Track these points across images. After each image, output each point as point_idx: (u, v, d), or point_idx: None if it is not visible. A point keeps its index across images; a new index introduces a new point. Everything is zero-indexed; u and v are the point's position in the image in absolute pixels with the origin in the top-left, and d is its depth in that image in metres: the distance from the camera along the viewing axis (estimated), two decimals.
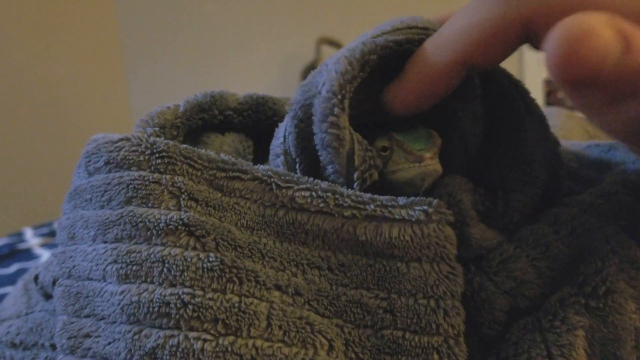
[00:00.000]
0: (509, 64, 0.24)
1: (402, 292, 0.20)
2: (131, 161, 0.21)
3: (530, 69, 2.42)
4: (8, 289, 0.77)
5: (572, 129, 0.42)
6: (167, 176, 0.21)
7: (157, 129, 0.25)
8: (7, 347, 0.25)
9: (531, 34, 0.18)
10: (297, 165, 0.23)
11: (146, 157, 0.21)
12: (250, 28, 2.39)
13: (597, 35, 0.14)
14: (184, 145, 0.22)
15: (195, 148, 0.22)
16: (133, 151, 0.21)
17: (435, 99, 0.22)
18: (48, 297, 0.28)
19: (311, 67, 2.40)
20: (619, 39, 0.15)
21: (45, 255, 0.91)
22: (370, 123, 0.24)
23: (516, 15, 0.18)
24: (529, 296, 0.22)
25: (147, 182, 0.20)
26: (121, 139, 0.22)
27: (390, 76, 0.23)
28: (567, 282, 0.22)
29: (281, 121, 0.30)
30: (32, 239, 1.02)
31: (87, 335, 0.21)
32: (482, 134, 0.25)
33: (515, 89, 0.25)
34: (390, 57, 0.22)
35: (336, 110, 0.20)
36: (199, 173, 0.21)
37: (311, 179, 0.22)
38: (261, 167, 0.22)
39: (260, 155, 0.30)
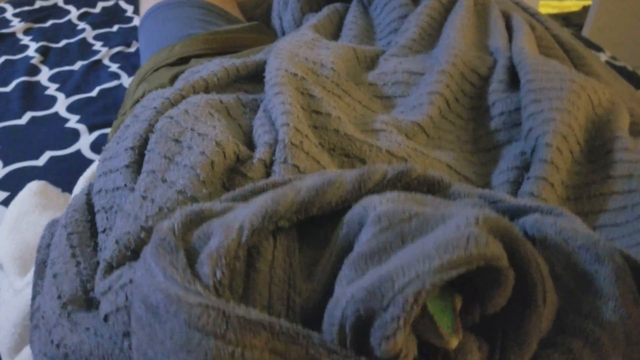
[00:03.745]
0: None
1: None
2: (208, 329, 0.25)
3: None
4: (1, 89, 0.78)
5: (578, 111, 0.40)
6: (239, 349, 0.25)
7: (225, 270, 0.28)
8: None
9: None
10: (348, 339, 0.26)
11: (222, 331, 0.25)
12: None
13: None
14: (254, 318, 0.26)
15: (263, 316, 0.26)
16: (210, 322, 0.25)
17: None
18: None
19: None
20: None
21: (31, 46, 0.88)
22: None
23: None
24: None
25: (222, 353, 0.25)
26: (199, 304, 0.26)
27: None
28: None
29: (326, 213, 0.32)
30: (14, 21, 0.98)
31: None
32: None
33: (538, 274, 0.27)
34: None
35: (398, 335, 0.23)
36: (263, 343, 0.25)
37: None
38: (315, 339, 0.26)
39: (307, 256, 0.33)
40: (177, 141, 0.34)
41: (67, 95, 0.76)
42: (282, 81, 0.39)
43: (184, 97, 0.40)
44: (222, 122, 0.36)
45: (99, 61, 0.85)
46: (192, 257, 0.29)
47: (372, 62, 0.50)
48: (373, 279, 0.26)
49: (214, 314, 0.26)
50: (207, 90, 0.42)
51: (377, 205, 0.30)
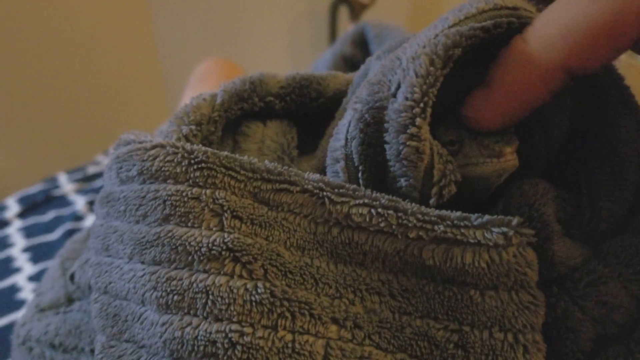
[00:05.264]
0: None
1: (476, 324, 0.18)
2: (167, 173, 0.19)
3: None
4: (47, 237, 0.79)
5: (633, 83, 0.36)
6: (208, 191, 0.19)
7: (193, 127, 0.23)
8: (47, 347, 0.25)
9: None
10: (360, 174, 0.20)
11: (183, 169, 0.19)
12: None
13: None
14: (225, 153, 0.20)
15: (237, 155, 0.20)
16: (169, 161, 0.19)
17: (528, 111, 0.18)
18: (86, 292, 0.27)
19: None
20: None
21: (79, 201, 0.91)
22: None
23: (635, 10, 0.15)
24: (619, 323, 0.19)
25: (185, 199, 0.18)
26: (155, 146, 0.20)
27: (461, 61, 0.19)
28: None
29: (327, 103, 0.27)
30: (66, 185, 1.03)
31: None
32: (568, 128, 0.21)
33: (609, 76, 0.21)
34: (474, 45, 0.19)
35: (418, 120, 0.18)
36: (242, 185, 0.19)
37: (369, 192, 0.19)
38: (312, 176, 0.19)
39: (305, 141, 0.27)
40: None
41: None
42: None
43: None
44: None
45: None
46: None
47: None
48: (375, 74, 0.19)
49: (172, 151, 0.19)
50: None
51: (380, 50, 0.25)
